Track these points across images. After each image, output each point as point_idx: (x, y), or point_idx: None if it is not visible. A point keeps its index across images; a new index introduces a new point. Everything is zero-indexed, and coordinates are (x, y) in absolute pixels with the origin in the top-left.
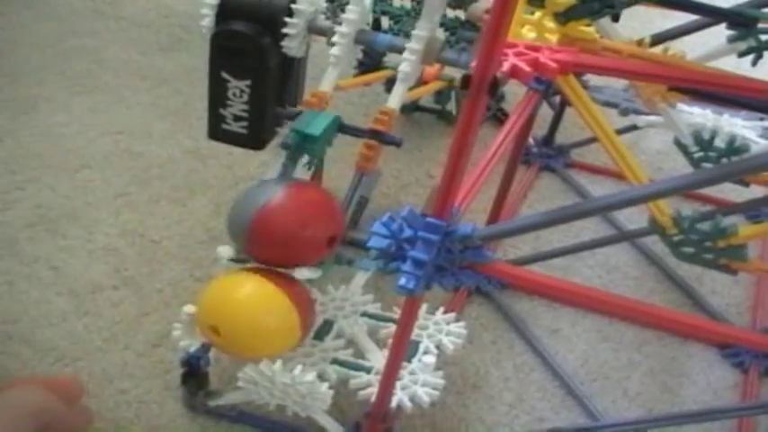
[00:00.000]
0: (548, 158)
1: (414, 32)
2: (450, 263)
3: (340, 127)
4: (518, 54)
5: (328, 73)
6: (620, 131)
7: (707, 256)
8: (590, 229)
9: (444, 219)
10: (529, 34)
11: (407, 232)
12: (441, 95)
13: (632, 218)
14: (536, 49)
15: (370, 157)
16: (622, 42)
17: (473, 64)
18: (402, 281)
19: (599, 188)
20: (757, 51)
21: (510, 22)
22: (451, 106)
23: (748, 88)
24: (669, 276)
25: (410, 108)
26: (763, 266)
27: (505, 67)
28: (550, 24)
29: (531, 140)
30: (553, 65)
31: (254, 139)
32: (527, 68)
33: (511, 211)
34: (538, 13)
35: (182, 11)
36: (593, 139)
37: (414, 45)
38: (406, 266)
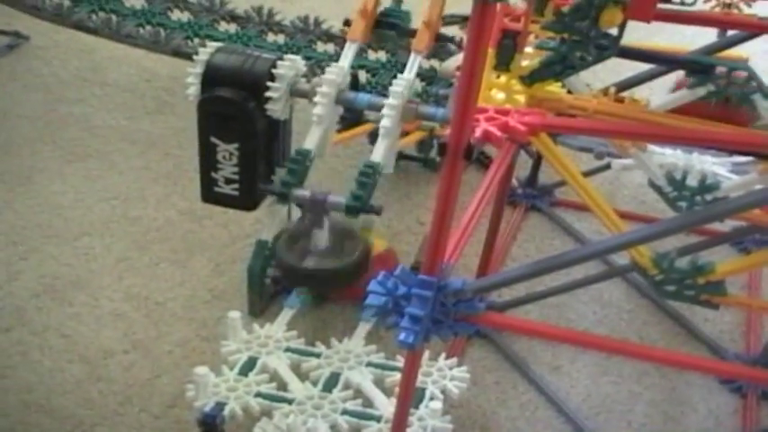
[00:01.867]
0: (533, 199)
1: (389, 96)
2: (445, 315)
3: None
4: (489, 119)
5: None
6: (598, 170)
7: (688, 292)
8: (582, 265)
9: (435, 275)
10: (498, 95)
11: (402, 289)
12: (423, 144)
13: (623, 252)
14: (505, 112)
15: None
16: (588, 97)
17: (447, 132)
18: (402, 336)
19: (585, 224)
20: (717, 96)
21: (478, 93)
22: (434, 154)
23: (709, 140)
24: (661, 308)
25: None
26: (743, 300)
27: (478, 132)
28: (518, 86)
29: (515, 182)
30: (522, 128)
31: (247, 201)
32: (498, 133)
33: (502, 253)
34: (503, 77)
35: (164, 74)
36: None
37: (392, 102)
38: (404, 322)
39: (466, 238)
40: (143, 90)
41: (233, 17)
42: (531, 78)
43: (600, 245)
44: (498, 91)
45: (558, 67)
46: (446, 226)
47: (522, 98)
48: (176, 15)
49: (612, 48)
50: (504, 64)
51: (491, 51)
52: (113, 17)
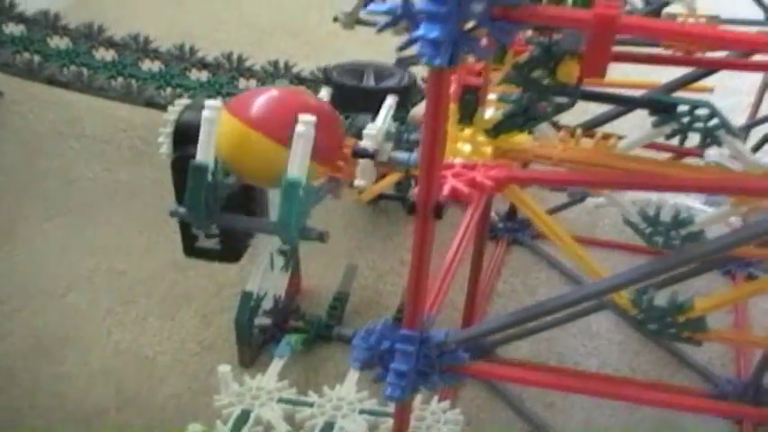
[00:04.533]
0: (514, 232)
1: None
2: (431, 367)
3: None
4: (456, 175)
5: None
6: (576, 202)
7: (670, 330)
8: None
9: (417, 328)
10: (464, 147)
11: (385, 344)
12: (401, 185)
13: None
14: (472, 167)
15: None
16: (554, 143)
17: (415, 191)
18: (388, 390)
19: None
20: (681, 133)
21: (443, 153)
22: (413, 194)
23: (678, 186)
24: (651, 337)
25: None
26: (726, 335)
27: (445, 190)
28: (483, 138)
29: (495, 216)
30: (489, 183)
31: (230, 254)
32: (465, 190)
33: (488, 289)
34: (468, 130)
35: (139, 123)
36: (554, 209)
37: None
38: (390, 377)
39: (446, 287)
40: (119, 140)
41: (204, 65)
42: (495, 131)
43: (577, 293)
44: (464, 143)
45: (521, 118)
46: (423, 280)
47: (488, 149)
48: (147, 65)
49: (572, 98)
50: (467, 118)
51: (454, 107)
52: (84, 70)
